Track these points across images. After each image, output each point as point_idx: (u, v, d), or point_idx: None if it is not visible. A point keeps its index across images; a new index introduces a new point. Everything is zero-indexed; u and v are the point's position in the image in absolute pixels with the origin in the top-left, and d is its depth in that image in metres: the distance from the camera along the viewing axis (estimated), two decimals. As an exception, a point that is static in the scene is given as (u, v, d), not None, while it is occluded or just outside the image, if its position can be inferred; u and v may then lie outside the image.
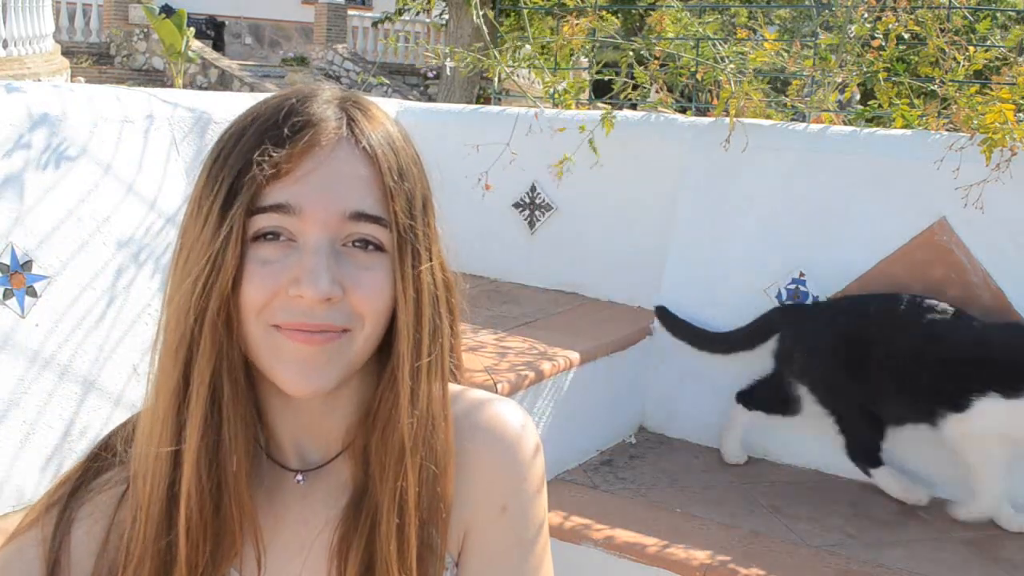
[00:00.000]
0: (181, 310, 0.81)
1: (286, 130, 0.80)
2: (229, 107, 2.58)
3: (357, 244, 0.82)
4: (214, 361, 0.81)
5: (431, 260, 0.85)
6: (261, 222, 0.80)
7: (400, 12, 16.16)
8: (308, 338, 0.80)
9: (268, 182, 0.79)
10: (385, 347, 0.86)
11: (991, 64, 3.15)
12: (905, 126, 2.83)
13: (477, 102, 11.57)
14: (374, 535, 0.85)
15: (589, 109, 3.37)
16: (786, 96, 3.19)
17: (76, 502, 0.86)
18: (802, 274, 2.63)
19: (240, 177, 0.80)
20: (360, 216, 0.81)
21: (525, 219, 3.21)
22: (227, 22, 20.50)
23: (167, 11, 16.14)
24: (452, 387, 0.93)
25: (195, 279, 0.80)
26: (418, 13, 16.20)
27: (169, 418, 0.82)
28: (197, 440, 0.81)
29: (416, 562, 0.86)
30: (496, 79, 3.61)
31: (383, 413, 0.85)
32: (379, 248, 0.82)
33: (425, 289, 0.84)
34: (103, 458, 0.89)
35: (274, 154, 0.79)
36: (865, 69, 3.08)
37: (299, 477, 0.89)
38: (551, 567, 0.96)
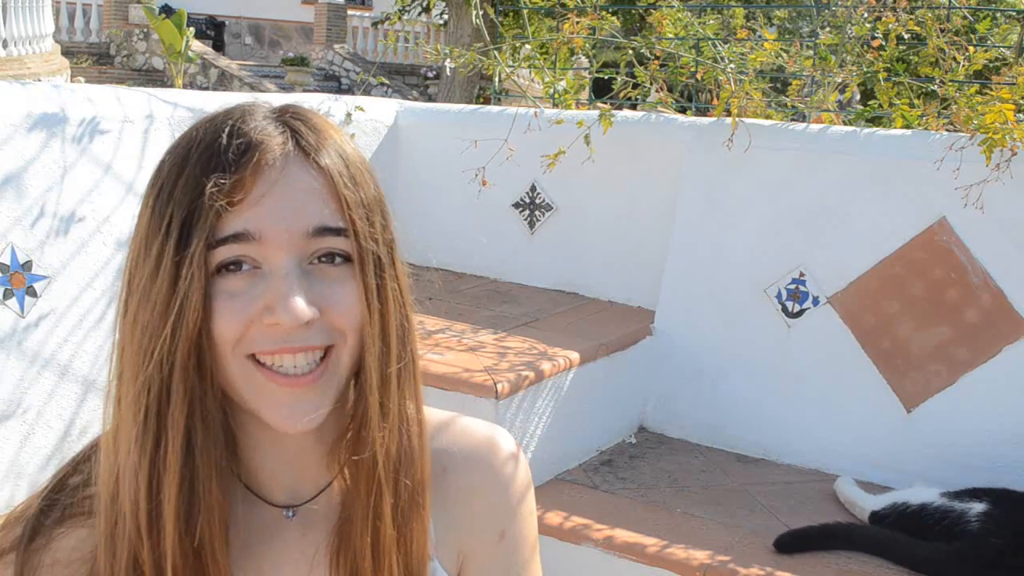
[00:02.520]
0: (141, 358, 0.76)
1: (231, 154, 0.76)
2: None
3: (323, 259, 0.78)
4: (187, 409, 0.76)
5: (394, 265, 0.83)
6: (222, 254, 0.75)
7: (401, 13, 16.20)
8: (292, 381, 0.77)
9: (222, 211, 0.75)
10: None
11: (991, 64, 3.15)
12: (905, 126, 2.83)
13: (477, 102, 11.58)
14: (352, 552, 0.83)
15: (589, 109, 3.37)
16: (786, 96, 3.19)
17: (36, 548, 0.80)
18: (802, 274, 2.63)
19: (192, 211, 0.75)
20: (323, 231, 0.77)
21: (525, 219, 3.21)
22: (227, 22, 20.52)
23: (167, 11, 16.14)
24: (440, 414, 0.94)
25: (157, 325, 0.75)
26: (420, 13, 16.23)
27: (138, 474, 0.76)
28: (175, 495, 0.75)
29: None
30: (496, 79, 3.61)
31: (355, 428, 0.82)
32: (346, 259, 0.79)
33: (391, 297, 0.82)
34: (59, 499, 0.83)
35: (224, 181, 0.74)
36: (865, 69, 3.08)
37: (288, 512, 0.86)
38: None
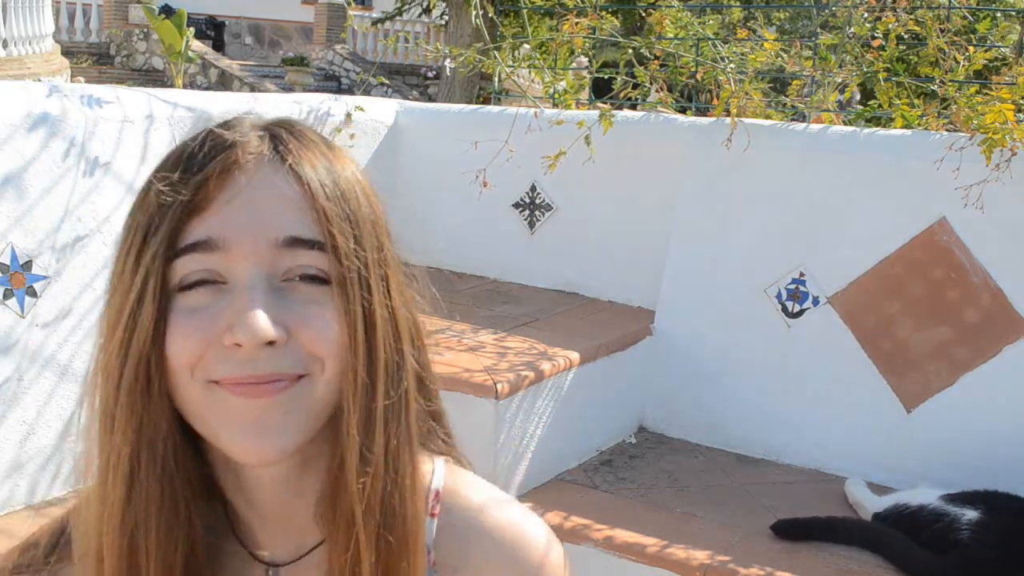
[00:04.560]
0: (104, 374, 0.70)
1: (200, 157, 0.70)
2: (228, 107, 2.58)
3: (302, 278, 0.70)
4: (132, 437, 0.69)
5: (388, 293, 0.73)
6: (186, 266, 0.68)
7: (399, 12, 16.21)
8: (256, 390, 0.68)
9: (186, 219, 0.68)
10: None
11: (991, 64, 3.15)
12: (905, 126, 2.83)
13: (477, 102, 11.58)
14: None
15: (589, 109, 3.37)
16: (786, 96, 3.19)
17: None
18: (802, 274, 2.63)
19: (154, 216, 0.69)
20: (295, 242, 0.69)
21: (525, 219, 3.21)
22: (227, 22, 20.52)
23: (167, 11, 16.13)
24: (462, 474, 0.84)
25: (112, 338, 0.69)
26: (420, 14, 16.24)
27: (106, 507, 0.71)
28: (115, 540, 0.69)
29: None
30: (496, 79, 3.62)
31: (331, 476, 0.72)
32: (328, 280, 0.71)
33: (379, 325, 0.72)
34: (35, 553, 0.79)
35: (185, 180, 0.69)
36: (865, 69, 3.08)
37: (270, 571, 0.78)
38: None
